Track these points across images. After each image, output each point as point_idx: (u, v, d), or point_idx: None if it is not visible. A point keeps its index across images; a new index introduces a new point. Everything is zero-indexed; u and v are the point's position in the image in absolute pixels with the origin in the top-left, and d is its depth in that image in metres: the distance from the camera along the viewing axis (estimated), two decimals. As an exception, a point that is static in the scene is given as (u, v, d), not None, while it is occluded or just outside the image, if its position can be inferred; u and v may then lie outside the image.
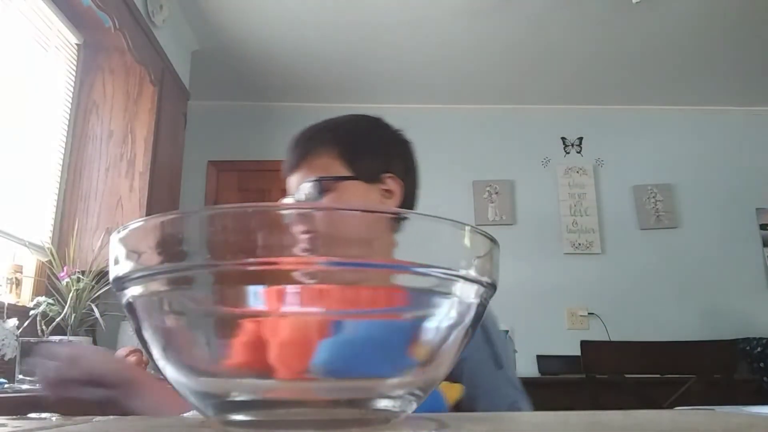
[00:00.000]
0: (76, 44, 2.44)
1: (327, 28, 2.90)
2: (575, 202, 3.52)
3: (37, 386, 0.78)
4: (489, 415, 0.35)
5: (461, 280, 0.27)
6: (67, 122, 2.39)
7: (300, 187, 0.82)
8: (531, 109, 3.67)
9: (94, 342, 2.08)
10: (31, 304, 1.89)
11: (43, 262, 2.13)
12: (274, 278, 0.25)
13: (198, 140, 3.33)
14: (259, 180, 3.49)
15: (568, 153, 3.64)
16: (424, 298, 0.27)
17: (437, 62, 3.23)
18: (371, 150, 0.87)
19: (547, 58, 3.20)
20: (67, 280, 1.94)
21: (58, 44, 2.31)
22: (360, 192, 0.82)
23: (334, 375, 0.26)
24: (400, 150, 0.91)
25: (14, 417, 0.32)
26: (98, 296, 1.97)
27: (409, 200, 0.89)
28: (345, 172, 0.82)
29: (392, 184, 0.85)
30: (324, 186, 0.81)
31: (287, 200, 0.83)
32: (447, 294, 0.27)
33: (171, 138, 2.67)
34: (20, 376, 1.51)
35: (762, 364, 2.86)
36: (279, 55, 3.09)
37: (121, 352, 1.77)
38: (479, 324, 0.74)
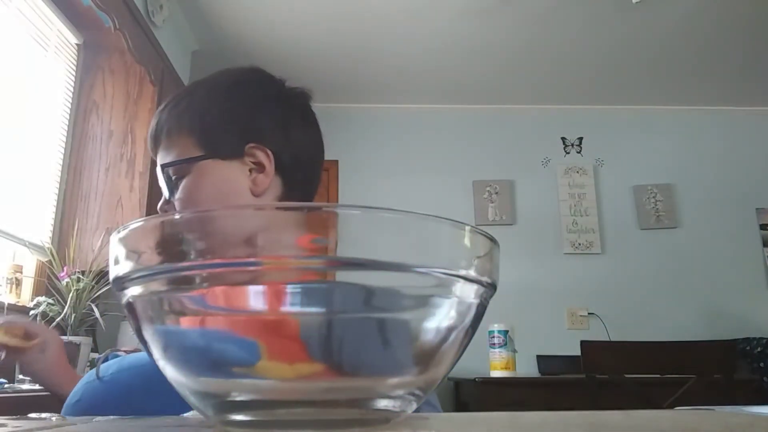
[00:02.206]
0: (76, 44, 2.44)
1: (327, 29, 2.90)
2: (575, 202, 3.52)
3: None
4: (489, 415, 0.35)
5: (461, 280, 0.27)
6: (67, 122, 2.39)
7: (159, 177, 0.72)
8: (531, 109, 3.67)
9: (95, 342, 2.08)
10: (31, 304, 1.89)
11: (43, 262, 2.13)
12: (274, 278, 0.25)
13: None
14: (259, 180, 3.48)
15: (568, 153, 3.64)
16: (423, 298, 0.27)
17: (437, 62, 3.23)
18: (226, 119, 0.72)
19: (548, 58, 3.20)
20: (67, 280, 1.94)
21: (58, 44, 2.31)
22: (220, 173, 0.70)
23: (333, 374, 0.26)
24: (270, 108, 0.75)
25: (14, 417, 0.32)
26: (98, 296, 1.97)
27: (301, 169, 0.75)
28: (198, 151, 0.70)
29: (260, 155, 0.71)
30: (177, 172, 0.70)
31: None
32: (447, 294, 0.27)
33: (171, 138, 2.67)
34: (20, 376, 1.51)
35: (762, 364, 2.86)
36: (279, 55, 3.09)
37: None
38: None
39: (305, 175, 0.75)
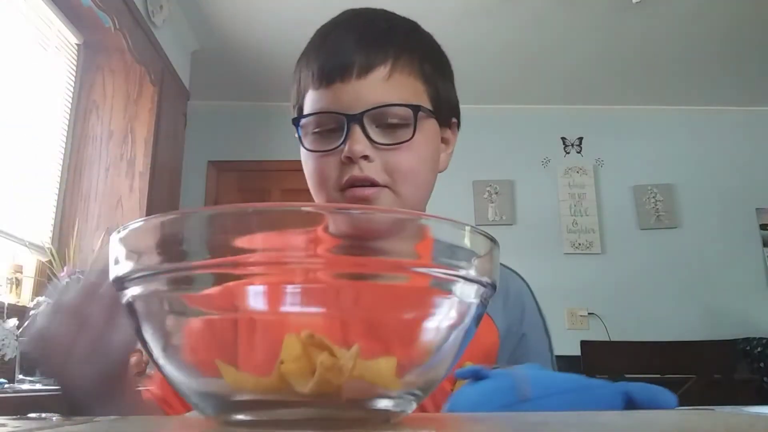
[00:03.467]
0: (76, 44, 2.44)
1: (327, 28, 2.90)
2: (575, 202, 3.52)
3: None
4: (489, 415, 0.35)
5: (461, 280, 0.27)
6: (67, 122, 2.39)
7: (368, 113, 0.56)
8: (531, 109, 3.67)
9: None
10: (31, 304, 1.89)
11: (43, 262, 2.13)
12: (274, 277, 0.26)
13: (198, 140, 3.33)
14: (259, 180, 3.49)
15: (568, 153, 3.64)
16: (427, 298, 0.27)
17: (437, 62, 3.23)
18: (449, 79, 0.65)
19: (547, 58, 3.20)
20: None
21: (58, 44, 2.31)
22: (436, 137, 0.63)
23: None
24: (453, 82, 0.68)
25: (14, 417, 0.32)
26: (98, 296, 1.97)
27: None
28: (428, 104, 0.60)
29: (452, 132, 0.66)
30: (402, 117, 0.57)
31: (323, 119, 0.58)
32: (447, 294, 0.27)
33: (171, 138, 2.67)
34: (20, 376, 1.51)
35: (762, 364, 2.86)
36: (279, 55, 3.09)
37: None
38: (543, 322, 0.70)
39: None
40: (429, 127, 0.60)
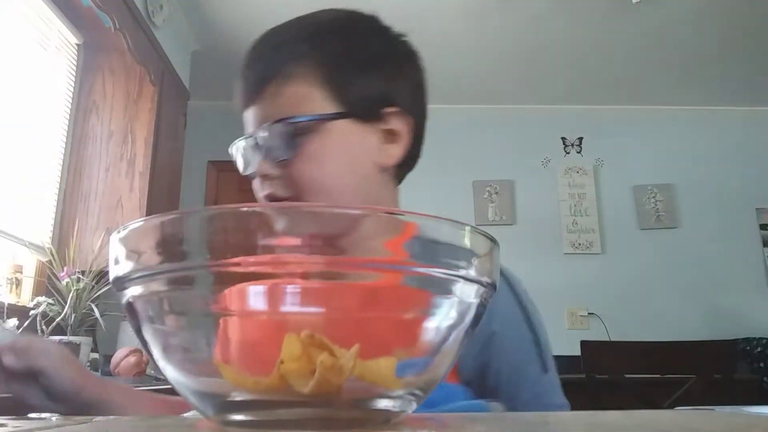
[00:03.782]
0: (76, 44, 2.44)
1: (327, 28, 2.90)
2: (575, 202, 3.52)
3: None
4: (488, 415, 0.35)
5: (461, 280, 0.27)
6: (67, 122, 2.39)
7: (262, 130, 0.58)
8: (531, 109, 3.67)
9: (94, 342, 2.08)
10: (31, 304, 1.89)
11: (43, 262, 2.13)
12: (273, 278, 0.26)
13: (198, 140, 3.33)
14: (259, 180, 3.49)
15: (568, 153, 3.64)
16: (425, 298, 0.27)
17: (437, 62, 3.22)
18: (367, 69, 0.61)
19: (547, 58, 3.20)
20: (67, 280, 1.94)
21: (58, 44, 2.31)
22: (353, 137, 0.59)
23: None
24: (407, 67, 0.65)
25: (14, 417, 0.32)
26: (98, 296, 1.97)
27: (416, 144, 0.64)
28: (330, 107, 0.58)
29: (397, 122, 0.61)
30: (299, 130, 0.57)
31: (240, 144, 0.61)
32: (447, 294, 0.27)
33: (171, 138, 2.67)
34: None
35: (762, 364, 2.86)
36: (279, 55, 3.09)
37: (121, 352, 1.77)
38: (525, 317, 0.66)
39: (417, 152, 0.66)
40: (336, 130, 0.58)
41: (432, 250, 0.27)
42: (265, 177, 0.58)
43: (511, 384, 0.58)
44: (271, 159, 0.58)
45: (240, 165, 0.62)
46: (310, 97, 0.58)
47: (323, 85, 0.58)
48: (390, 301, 0.28)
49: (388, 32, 0.65)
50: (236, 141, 0.61)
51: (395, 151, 0.61)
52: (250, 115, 0.60)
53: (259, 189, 0.60)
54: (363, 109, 0.59)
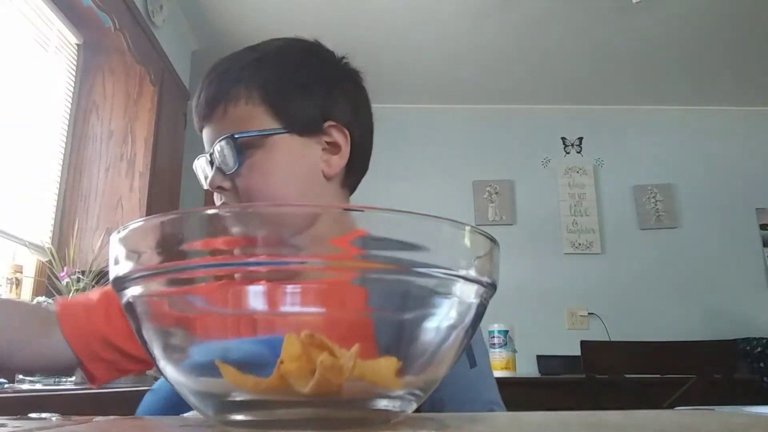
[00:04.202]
0: (76, 44, 2.44)
1: (327, 29, 2.90)
2: (575, 202, 3.52)
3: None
4: (488, 414, 0.35)
5: (461, 280, 0.27)
6: (67, 122, 2.39)
7: (213, 147, 0.64)
8: (531, 109, 3.67)
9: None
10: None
11: (43, 262, 2.13)
12: (273, 277, 0.26)
13: (198, 140, 3.32)
14: (259, 180, 3.48)
15: (568, 153, 3.64)
16: (423, 298, 0.27)
17: (437, 62, 3.23)
18: (305, 90, 0.67)
19: (548, 58, 3.20)
20: (67, 280, 1.94)
21: (58, 44, 2.31)
22: (295, 149, 0.65)
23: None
24: (345, 86, 0.71)
25: (14, 417, 0.32)
26: (98, 296, 1.97)
27: (361, 153, 0.70)
28: (272, 124, 0.64)
29: (337, 135, 0.67)
30: (243, 145, 0.63)
31: (201, 161, 0.68)
32: (447, 294, 0.27)
33: (171, 138, 2.67)
34: (20, 376, 1.51)
35: (762, 364, 2.86)
36: (279, 55, 3.09)
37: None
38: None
39: (363, 160, 0.72)
40: (278, 144, 0.64)
41: (431, 251, 0.27)
42: (219, 189, 0.65)
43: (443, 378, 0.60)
44: (221, 172, 0.64)
45: (201, 180, 0.69)
46: (253, 116, 0.64)
47: (264, 104, 0.65)
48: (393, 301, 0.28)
49: (325, 55, 0.72)
50: (197, 158, 0.69)
51: (337, 162, 0.67)
52: (204, 135, 0.67)
53: (215, 200, 0.67)
54: (302, 124, 0.65)
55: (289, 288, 0.26)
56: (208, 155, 0.66)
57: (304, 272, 0.26)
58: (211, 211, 0.26)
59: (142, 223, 0.27)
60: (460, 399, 0.61)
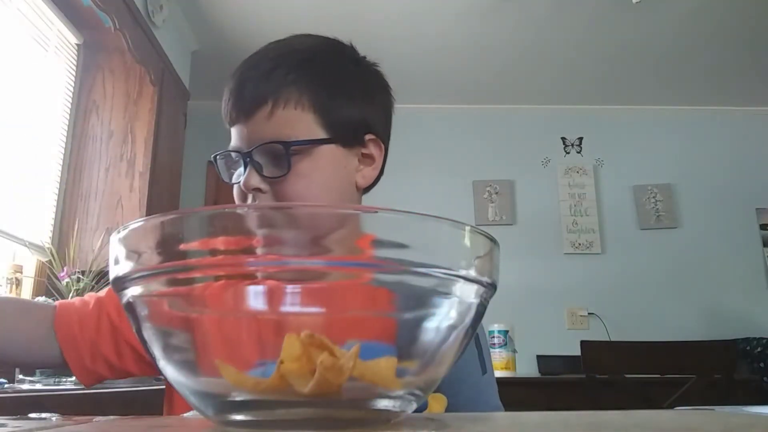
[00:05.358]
0: (76, 44, 2.44)
1: (326, 29, 2.89)
2: (575, 202, 3.52)
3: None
4: (489, 414, 0.35)
5: (461, 280, 0.27)
6: (67, 122, 2.39)
7: (255, 150, 0.61)
8: (531, 109, 3.67)
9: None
10: (31, 304, 1.89)
11: (43, 262, 2.13)
12: (273, 278, 0.26)
13: (198, 140, 3.33)
14: (259, 180, 3.48)
15: (568, 153, 3.64)
16: (423, 298, 0.27)
17: (437, 63, 3.23)
18: (351, 100, 0.66)
19: (548, 58, 3.20)
20: (67, 280, 1.94)
21: (58, 44, 2.31)
22: (337, 160, 0.64)
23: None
24: (382, 97, 0.70)
25: (14, 417, 0.32)
26: (98, 296, 1.97)
27: (384, 164, 0.70)
28: (318, 131, 0.62)
29: (374, 147, 0.67)
30: (292, 151, 0.61)
31: (227, 155, 0.65)
32: (447, 294, 0.27)
33: (171, 138, 2.67)
34: (20, 376, 1.51)
35: (762, 364, 2.86)
36: (279, 55, 3.09)
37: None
38: None
39: (382, 172, 0.71)
40: (321, 154, 0.62)
41: (431, 251, 0.27)
42: (255, 191, 0.62)
43: (453, 382, 0.61)
44: (262, 175, 0.62)
45: (224, 174, 0.67)
46: (301, 122, 0.62)
47: (313, 112, 0.63)
48: (391, 301, 0.28)
49: (365, 62, 0.70)
50: (222, 152, 0.66)
51: (369, 173, 0.67)
52: (239, 131, 0.64)
53: (239, 198, 0.65)
54: (346, 134, 0.64)
55: (290, 288, 0.26)
56: (241, 153, 0.63)
57: (312, 273, 0.26)
58: (211, 211, 0.26)
59: (142, 223, 0.27)
60: (472, 406, 0.62)
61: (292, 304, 0.26)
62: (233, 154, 0.64)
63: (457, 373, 0.61)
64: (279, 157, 0.61)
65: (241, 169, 0.63)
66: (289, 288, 0.25)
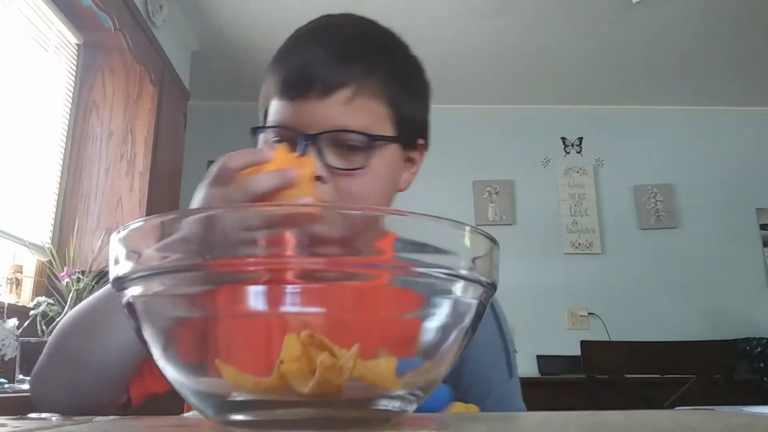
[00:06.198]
0: (76, 44, 2.44)
1: (327, 28, 2.90)
2: (575, 202, 3.52)
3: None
4: (489, 414, 0.35)
5: (461, 280, 0.27)
6: (67, 122, 2.39)
7: (325, 134, 0.55)
8: (531, 109, 3.67)
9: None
10: (31, 304, 1.89)
11: (43, 262, 2.13)
12: (274, 278, 0.25)
13: (198, 140, 3.33)
14: (259, 180, 3.48)
15: (568, 153, 3.64)
16: (425, 298, 0.27)
17: (437, 62, 3.22)
18: (418, 103, 0.63)
19: (548, 58, 3.20)
20: (67, 280, 1.94)
21: (58, 44, 2.31)
22: (397, 160, 0.61)
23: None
24: (430, 101, 0.67)
25: (14, 417, 0.32)
26: (98, 296, 1.97)
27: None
28: (389, 127, 0.59)
29: (419, 152, 0.65)
30: (369, 144, 0.56)
31: (276, 131, 0.58)
32: (447, 294, 0.27)
33: (171, 138, 2.67)
34: (20, 376, 1.51)
35: (762, 364, 2.86)
36: (279, 55, 3.09)
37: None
38: (497, 324, 0.68)
39: None
40: (389, 152, 0.59)
41: (432, 251, 0.27)
42: (319, 179, 0.55)
43: (483, 386, 0.61)
44: (332, 162, 0.56)
45: (260, 142, 0.61)
46: (378, 116, 0.58)
47: (389, 105, 0.59)
48: (389, 301, 0.28)
49: (421, 63, 0.66)
50: (272, 126, 0.59)
51: (409, 178, 0.65)
52: (300, 109, 0.57)
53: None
54: (409, 134, 0.61)
55: (290, 288, 0.26)
56: (304, 134, 0.55)
57: (323, 273, 0.26)
58: (209, 212, 0.26)
59: (142, 223, 0.27)
60: (499, 409, 0.60)
61: (291, 304, 0.26)
62: (285, 131, 0.57)
63: (487, 376, 0.61)
64: (353, 148, 0.56)
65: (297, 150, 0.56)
66: (290, 288, 0.26)
